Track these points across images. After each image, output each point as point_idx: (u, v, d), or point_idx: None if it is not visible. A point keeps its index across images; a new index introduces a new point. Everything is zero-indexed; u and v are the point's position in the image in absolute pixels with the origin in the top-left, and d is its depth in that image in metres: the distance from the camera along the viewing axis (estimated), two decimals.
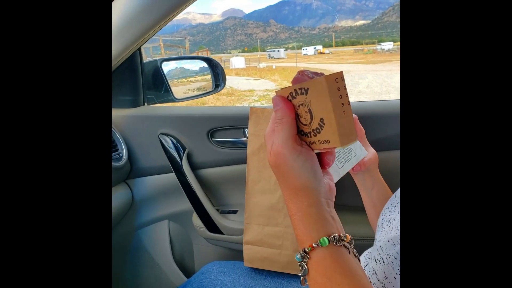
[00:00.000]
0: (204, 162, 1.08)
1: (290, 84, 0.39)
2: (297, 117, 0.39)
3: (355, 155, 0.65)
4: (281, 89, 0.40)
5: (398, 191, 0.62)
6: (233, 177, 1.08)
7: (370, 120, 0.92)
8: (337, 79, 0.35)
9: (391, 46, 67.98)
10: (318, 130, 0.37)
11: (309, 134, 0.38)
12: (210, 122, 1.05)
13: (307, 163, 0.39)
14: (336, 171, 0.61)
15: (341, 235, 0.38)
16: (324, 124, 0.36)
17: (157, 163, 1.11)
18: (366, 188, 0.73)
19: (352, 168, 0.65)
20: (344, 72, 0.36)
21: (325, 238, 0.37)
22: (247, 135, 0.98)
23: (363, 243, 0.92)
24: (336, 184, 0.94)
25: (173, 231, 1.21)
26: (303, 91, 0.37)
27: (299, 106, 0.38)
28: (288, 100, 0.39)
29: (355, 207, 0.98)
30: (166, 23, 0.90)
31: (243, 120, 1.01)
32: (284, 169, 0.39)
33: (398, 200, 0.59)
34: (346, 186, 0.94)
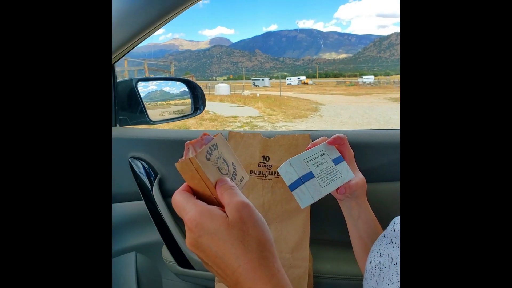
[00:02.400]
0: (177, 189, 1.00)
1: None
2: (218, 170, 0.41)
3: (340, 176, 0.60)
4: (193, 156, 0.39)
5: (388, 229, 0.56)
6: None
7: (364, 149, 0.86)
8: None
9: (372, 79, 70.19)
10: (234, 173, 0.43)
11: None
12: None
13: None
14: (318, 190, 0.56)
15: None
16: (235, 166, 0.44)
17: (125, 189, 1.02)
18: (352, 217, 0.67)
19: (337, 190, 0.60)
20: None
21: None
22: None
23: (347, 283, 0.84)
24: (319, 217, 0.88)
25: (141, 265, 1.10)
26: (215, 147, 0.41)
27: (217, 160, 0.41)
28: (207, 159, 0.40)
29: (339, 242, 0.91)
30: (140, 41, 0.84)
31: None
32: (251, 221, 0.34)
33: (388, 240, 0.53)
34: (329, 219, 0.88)
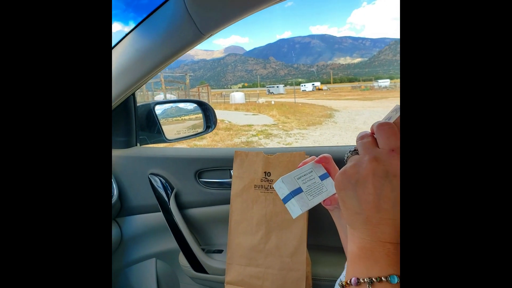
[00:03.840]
0: (191, 201, 1.12)
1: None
2: None
3: (326, 190, 0.69)
4: None
5: None
6: (218, 217, 1.11)
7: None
8: None
9: (388, 83, 68.93)
10: None
11: None
12: (198, 163, 1.10)
13: None
14: (306, 203, 0.65)
15: None
16: None
17: (146, 202, 1.15)
18: (341, 225, 0.76)
19: (323, 202, 0.69)
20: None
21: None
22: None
23: None
24: (315, 225, 0.98)
25: (160, 270, 1.23)
26: None
27: None
28: None
29: (335, 247, 1.00)
30: (158, 71, 0.97)
31: (229, 161, 1.06)
32: None
33: None
34: (325, 226, 0.98)
